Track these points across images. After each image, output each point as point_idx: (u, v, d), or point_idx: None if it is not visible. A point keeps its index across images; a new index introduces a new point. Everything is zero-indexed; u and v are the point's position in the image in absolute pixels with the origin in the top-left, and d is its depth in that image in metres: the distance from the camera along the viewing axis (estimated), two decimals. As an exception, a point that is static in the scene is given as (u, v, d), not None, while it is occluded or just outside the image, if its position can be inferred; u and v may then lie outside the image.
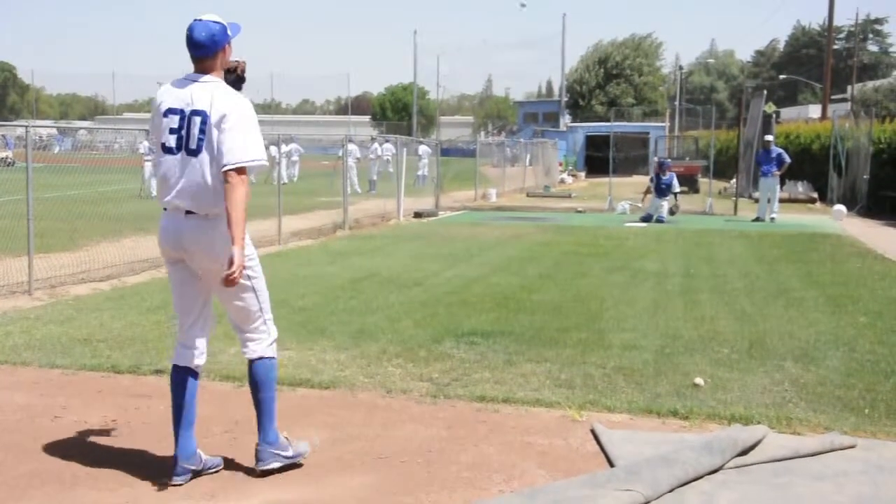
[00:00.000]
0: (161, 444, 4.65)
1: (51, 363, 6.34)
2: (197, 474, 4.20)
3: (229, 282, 3.91)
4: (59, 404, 5.36)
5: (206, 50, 4.03)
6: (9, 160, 19.39)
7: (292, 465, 4.30)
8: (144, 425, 5.00)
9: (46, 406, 5.35)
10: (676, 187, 20.20)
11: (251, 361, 4.29)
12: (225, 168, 3.90)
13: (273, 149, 20.11)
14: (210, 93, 4.00)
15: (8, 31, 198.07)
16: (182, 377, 4.25)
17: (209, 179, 3.99)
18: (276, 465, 4.23)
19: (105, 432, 4.88)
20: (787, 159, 20.38)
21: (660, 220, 19.50)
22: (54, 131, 33.10)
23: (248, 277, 4.16)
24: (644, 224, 19.19)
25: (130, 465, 4.37)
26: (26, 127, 10.07)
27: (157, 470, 4.30)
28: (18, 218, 9.88)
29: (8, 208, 11.37)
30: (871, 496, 4.06)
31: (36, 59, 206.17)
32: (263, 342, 4.30)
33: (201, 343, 4.31)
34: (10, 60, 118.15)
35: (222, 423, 5.03)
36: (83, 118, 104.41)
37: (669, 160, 25.06)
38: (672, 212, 20.01)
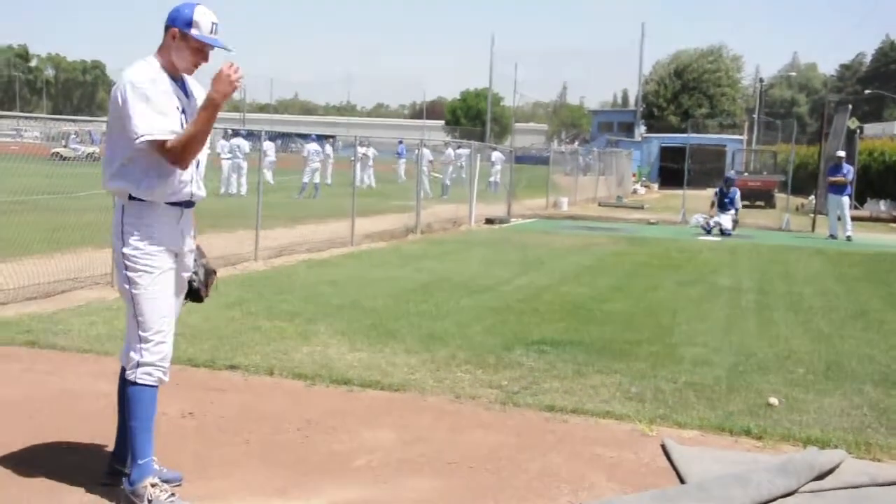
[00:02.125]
0: (236, 438, 4.74)
1: (131, 354, 6.50)
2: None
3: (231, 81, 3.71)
4: (139, 394, 5.49)
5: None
6: (95, 155, 19.98)
7: None
8: (220, 419, 5.10)
9: (126, 396, 5.49)
10: (739, 203, 20.64)
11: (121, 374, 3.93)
12: (136, 142, 3.65)
13: (363, 150, 20.24)
14: None
15: (98, 30, 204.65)
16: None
17: (108, 155, 3.79)
18: None
19: (182, 424, 4.99)
20: (850, 177, 20.52)
21: (726, 234, 19.58)
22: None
23: (128, 280, 3.79)
24: (715, 238, 19.02)
25: (206, 458, 4.46)
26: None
27: (231, 462, 4.38)
28: (103, 211, 10.16)
29: (94, 201, 11.71)
30: (953, 528, 3.92)
31: (124, 58, 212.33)
32: (131, 360, 3.81)
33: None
34: (101, 59, 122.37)
35: (295, 420, 5.10)
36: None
37: (735, 175, 25.64)
38: (733, 224, 20.17)
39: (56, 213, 11.91)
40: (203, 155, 3.98)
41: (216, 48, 3.86)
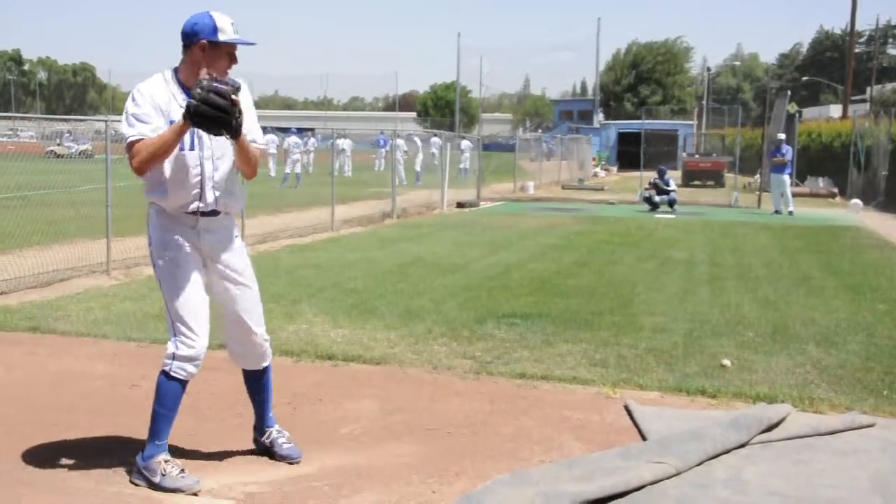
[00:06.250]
0: (229, 413, 4.72)
1: (127, 336, 6.45)
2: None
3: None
4: (136, 374, 5.45)
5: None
6: (88, 152, 19.69)
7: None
8: (213, 396, 5.07)
9: (124, 375, 5.45)
10: (672, 185, 21.31)
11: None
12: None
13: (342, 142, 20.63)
14: None
15: (89, 34, 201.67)
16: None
17: None
18: (136, 481, 3.75)
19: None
20: (789, 157, 20.74)
21: (673, 205, 20.46)
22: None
23: (156, 275, 3.82)
24: (670, 215, 19.21)
25: (200, 432, 4.44)
26: (106, 122, 10.22)
27: (225, 437, 4.36)
28: (98, 205, 10.05)
29: (89, 196, 11.57)
30: (889, 471, 3.98)
31: (113, 60, 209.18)
32: (167, 351, 3.77)
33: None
34: (90, 61, 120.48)
35: (283, 394, 5.07)
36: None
37: (688, 157, 26.00)
38: (671, 204, 20.69)
39: (53, 207, 11.76)
40: (224, 165, 3.74)
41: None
